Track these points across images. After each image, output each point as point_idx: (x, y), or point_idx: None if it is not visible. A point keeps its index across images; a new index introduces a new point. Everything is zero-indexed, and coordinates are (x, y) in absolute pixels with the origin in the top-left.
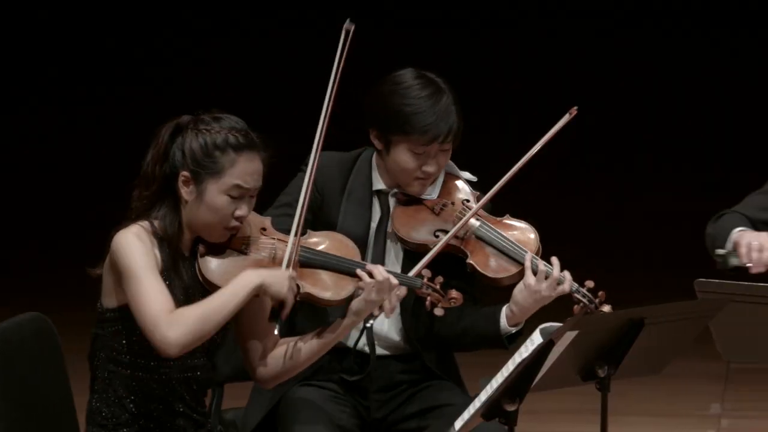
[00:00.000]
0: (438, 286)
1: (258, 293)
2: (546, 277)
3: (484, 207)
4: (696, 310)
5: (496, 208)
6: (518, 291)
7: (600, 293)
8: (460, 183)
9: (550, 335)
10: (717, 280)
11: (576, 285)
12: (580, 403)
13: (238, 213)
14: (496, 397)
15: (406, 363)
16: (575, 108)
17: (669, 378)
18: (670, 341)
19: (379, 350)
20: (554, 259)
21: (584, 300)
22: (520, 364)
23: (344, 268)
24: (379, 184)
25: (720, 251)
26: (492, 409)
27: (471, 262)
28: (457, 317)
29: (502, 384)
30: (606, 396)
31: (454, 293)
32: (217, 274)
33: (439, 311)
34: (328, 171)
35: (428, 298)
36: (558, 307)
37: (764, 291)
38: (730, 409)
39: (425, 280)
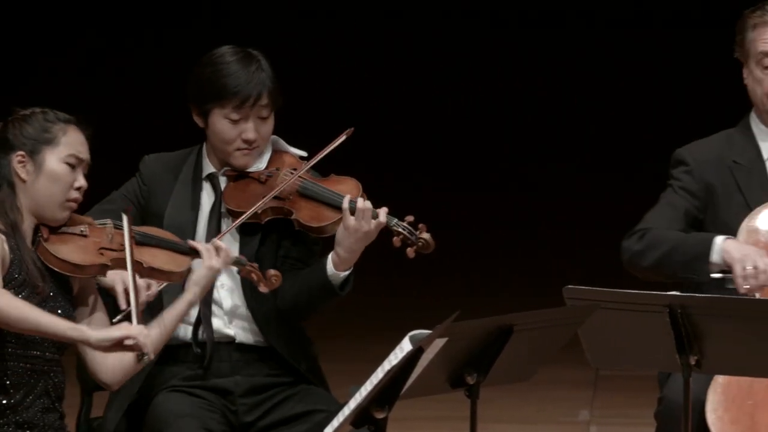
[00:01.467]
0: (257, 267)
1: (76, 340)
2: (369, 214)
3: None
4: (565, 316)
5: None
6: (340, 233)
7: (420, 225)
8: (287, 156)
9: (419, 342)
10: (585, 287)
11: (394, 218)
12: (449, 411)
13: (77, 184)
14: (366, 404)
15: (270, 363)
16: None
17: (538, 385)
18: (539, 348)
19: (231, 331)
20: (365, 203)
21: (404, 232)
22: (389, 371)
23: (178, 246)
24: (209, 168)
25: (716, 276)
26: (361, 417)
27: (295, 218)
28: (291, 283)
29: (371, 391)
30: (475, 403)
31: (271, 272)
32: (65, 251)
33: (263, 289)
34: (154, 166)
35: (252, 276)
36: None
37: (631, 298)
38: (599, 416)
39: (247, 260)
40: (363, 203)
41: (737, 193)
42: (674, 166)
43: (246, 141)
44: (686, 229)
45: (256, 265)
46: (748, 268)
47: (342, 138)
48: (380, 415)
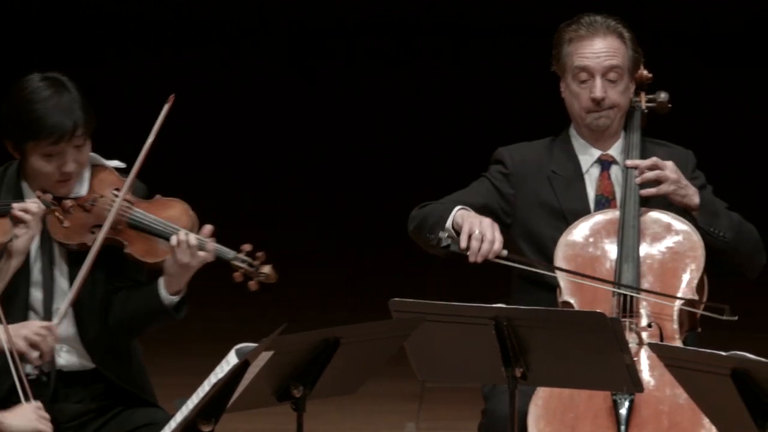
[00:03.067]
0: (58, 206)
1: None
2: (196, 250)
3: (138, 193)
4: (390, 329)
5: (149, 191)
6: (169, 264)
7: (258, 255)
8: (107, 173)
9: (245, 356)
10: (411, 300)
11: (232, 251)
12: (275, 424)
13: None
14: (192, 417)
15: (96, 387)
16: (172, 96)
17: (365, 397)
18: (365, 361)
19: (60, 358)
20: (206, 229)
21: (243, 266)
22: (215, 384)
23: None
24: (29, 193)
25: (442, 233)
26: (188, 430)
27: (128, 252)
28: (122, 304)
29: (197, 405)
30: (301, 416)
31: (68, 203)
32: None
33: (67, 224)
34: None
35: (56, 215)
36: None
37: (457, 310)
38: (425, 429)
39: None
40: (189, 240)
41: (554, 204)
42: (493, 163)
43: (66, 174)
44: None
45: (55, 202)
46: (476, 231)
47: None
48: (206, 429)
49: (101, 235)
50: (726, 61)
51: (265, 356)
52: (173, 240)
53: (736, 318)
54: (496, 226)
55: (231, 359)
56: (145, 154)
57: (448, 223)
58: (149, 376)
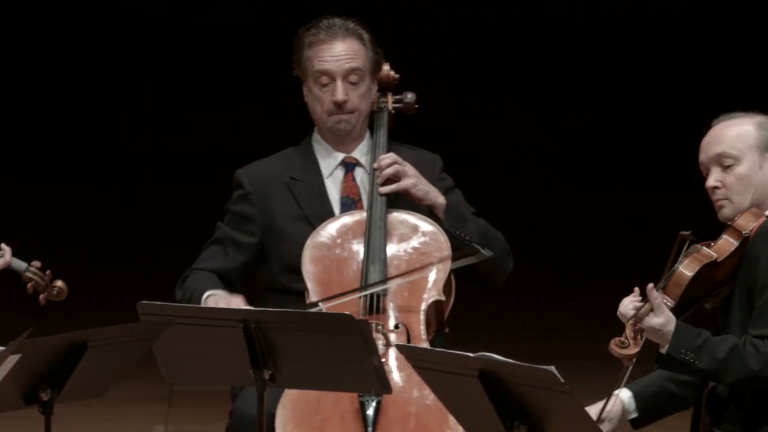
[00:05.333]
0: None
1: None
2: None
3: None
4: (138, 332)
5: None
6: None
7: (48, 272)
8: None
9: None
10: (159, 303)
11: (25, 263)
12: (23, 427)
13: None
14: None
15: None
16: None
17: (113, 400)
18: (113, 363)
19: None
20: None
21: (35, 278)
22: None
23: None
24: None
25: None
26: None
27: None
28: None
29: None
30: (49, 419)
31: None
32: None
33: None
34: None
35: None
36: None
37: (206, 313)
38: (174, 431)
39: None
40: None
41: (297, 210)
42: (234, 188)
43: None
44: (239, 257)
45: None
46: None
47: None
48: None
49: None
50: (475, 64)
51: (13, 359)
52: None
53: (492, 254)
54: (240, 301)
55: None
56: None
57: None
58: None
